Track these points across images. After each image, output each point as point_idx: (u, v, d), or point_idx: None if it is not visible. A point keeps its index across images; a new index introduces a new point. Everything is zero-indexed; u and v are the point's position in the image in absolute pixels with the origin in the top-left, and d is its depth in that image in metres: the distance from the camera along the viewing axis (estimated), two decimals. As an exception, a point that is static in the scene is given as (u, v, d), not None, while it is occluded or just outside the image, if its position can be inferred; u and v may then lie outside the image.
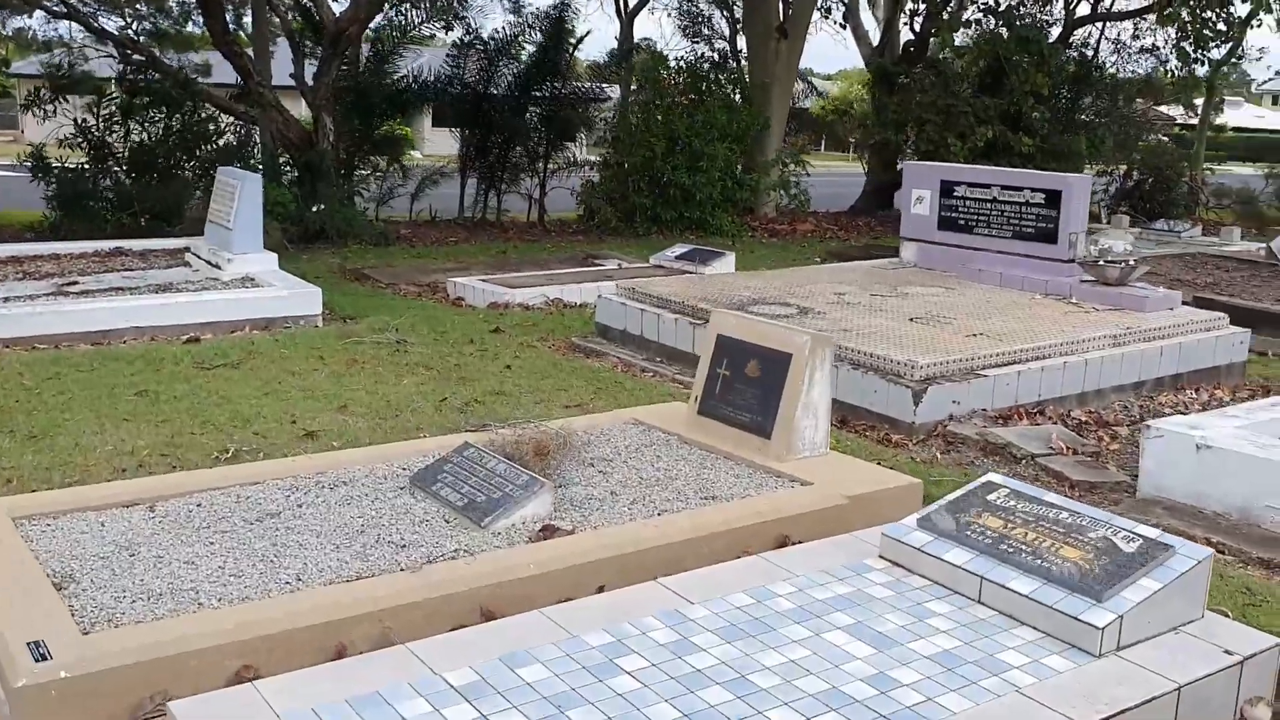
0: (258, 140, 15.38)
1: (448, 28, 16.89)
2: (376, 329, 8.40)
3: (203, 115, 14.69)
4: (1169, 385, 7.15)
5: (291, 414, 5.88)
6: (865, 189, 21.37)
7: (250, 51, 15.35)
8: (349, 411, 5.97)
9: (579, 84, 17.75)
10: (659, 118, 16.89)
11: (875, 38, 22.58)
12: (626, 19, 19.93)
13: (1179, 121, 27.10)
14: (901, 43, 21.36)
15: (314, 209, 13.93)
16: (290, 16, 16.71)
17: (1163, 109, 25.04)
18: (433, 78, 17.18)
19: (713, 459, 4.62)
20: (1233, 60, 21.63)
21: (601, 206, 17.22)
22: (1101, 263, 7.78)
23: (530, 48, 17.52)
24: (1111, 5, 20.85)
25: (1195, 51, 19.51)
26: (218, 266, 9.52)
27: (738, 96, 18.27)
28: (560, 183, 17.83)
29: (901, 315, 7.29)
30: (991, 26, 19.80)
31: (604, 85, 18.70)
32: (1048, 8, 20.08)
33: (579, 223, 17.57)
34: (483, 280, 10.55)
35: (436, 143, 21.01)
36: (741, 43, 20.22)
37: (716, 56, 19.58)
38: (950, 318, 7.20)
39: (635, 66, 18.98)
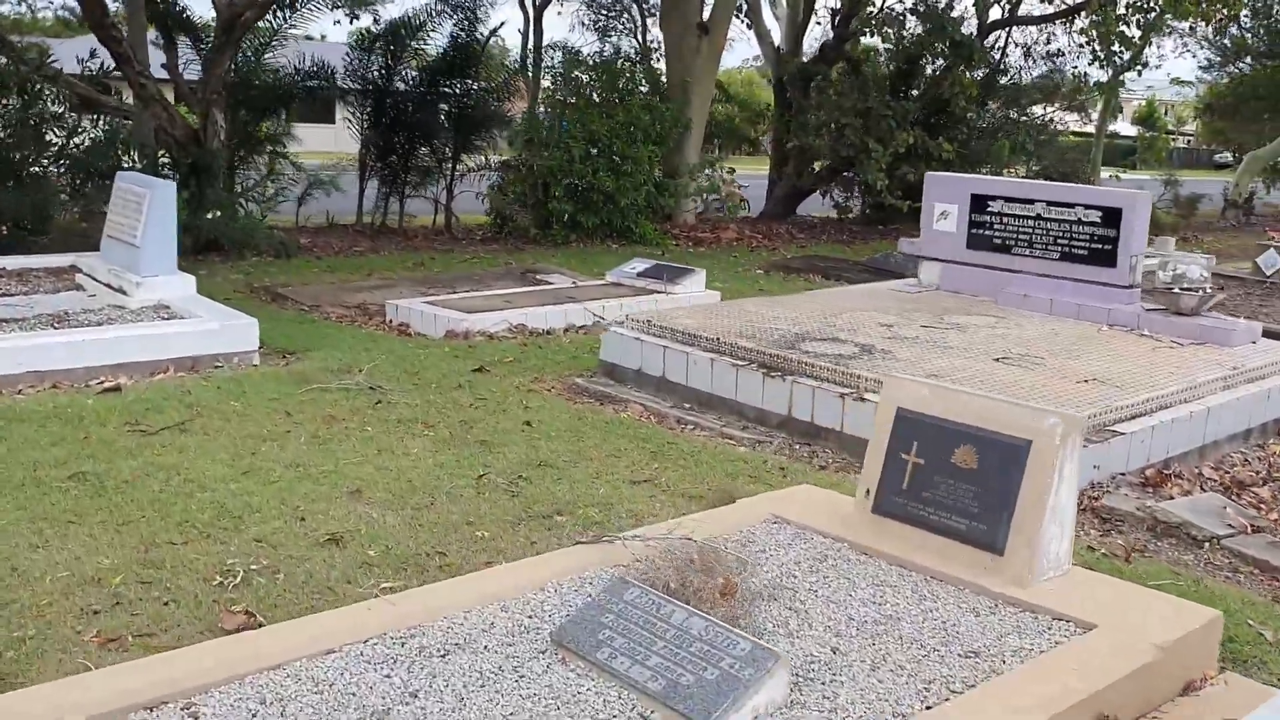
0: (124, 137, 13.56)
1: (353, 16, 15.28)
2: (333, 370, 7.00)
3: (61, 106, 12.80)
4: (1271, 431, 6.35)
5: (293, 504, 4.50)
6: (776, 194, 20.52)
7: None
8: (365, 499, 4.62)
9: (492, 80, 16.32)
10: (576, 118, 15.67)
11: (777, 37, 21.78)
12: (535, 12, 18.57)
13: (1070, 128, 27.15)
14: (814, 42, 20.61)
15: (208, 216, 12.24)
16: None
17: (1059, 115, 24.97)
18: (316, 68, 15.54)
19: (924, 582, 3.49)
20: (1137, 66, 21.58)
21: (515, 212, 15.90)
22: (1176, 290, 6.95)
23: (439, 38, 16.09)
24: (1017, 9, 20.48)
25: (1108, 56, 19.36)
26: (122, 291, 7.93)
27: (655, 96, 17.19)
28: (469, 186, 16.43)
29: (978, 353, 6.29)
30: (913, 27, 19.24)
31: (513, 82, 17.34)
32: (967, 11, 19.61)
33: (489, 229, 16.23)
34: (428, 303, 9.19)
35: (306, 140, 19.30)
36: (656, 37, 19.13)
37: (632, 53, 18.41)
38: (1037, 357, 6.24)
39: (552, 63, 17.69)
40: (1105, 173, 24.78)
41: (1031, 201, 7.67)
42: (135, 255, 7.94)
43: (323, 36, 17.05)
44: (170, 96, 13.39)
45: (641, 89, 16.98)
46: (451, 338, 8.45)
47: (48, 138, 12.78)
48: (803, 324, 6.93)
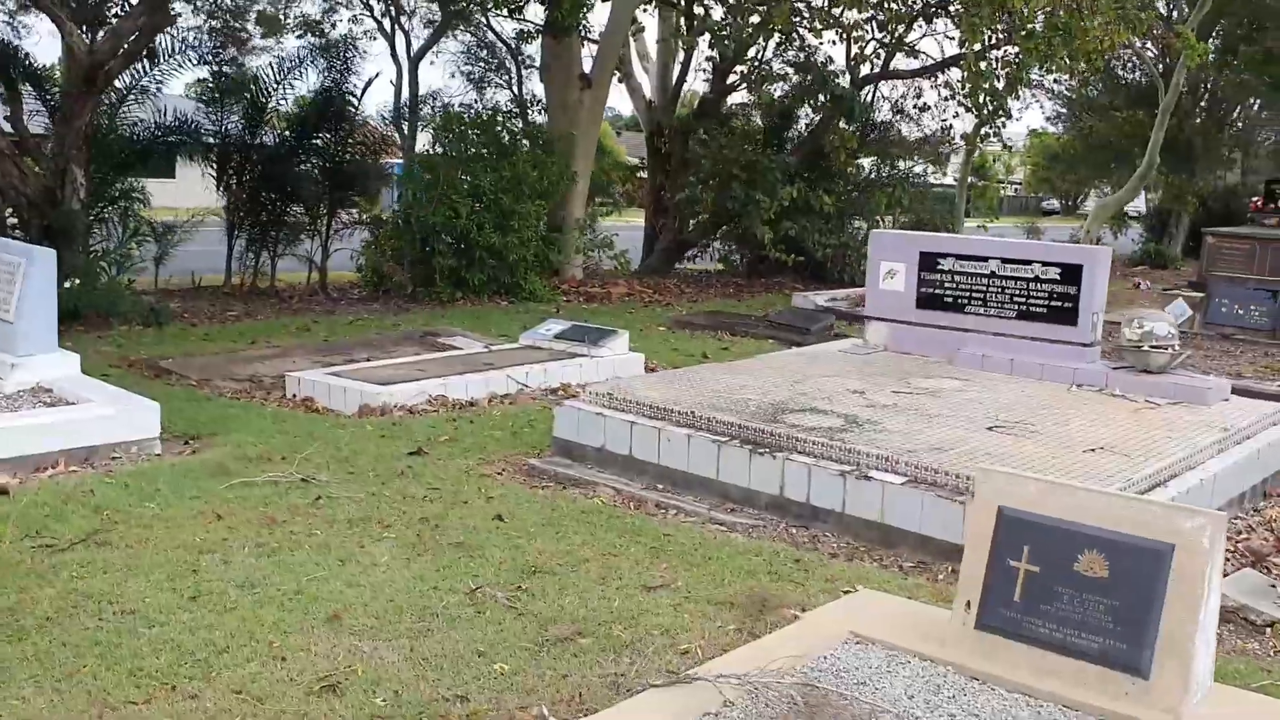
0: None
1: (219, 75, 14.29)
2: (251, 458, 6.22)
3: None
4: (1258, 493, 6.17)
5: (264, 639, 3.77)
6: (658, 247, 20.22)
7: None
8: (348, 627, 3.92)
9: (366, 134, 15.59)
10: (460, 173, 15.08)
11: (647, 90, 21.61)
12: (410, 63, 17.86)
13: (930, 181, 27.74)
14: (692, 97, 20.52)
15: (65, 284, 11.14)
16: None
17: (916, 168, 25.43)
18: (178, 121, 14.54)
19: (1061, 714, 3.02)
20: (1001, 119, 22.07)
21: (395, 270, 15.14)
22: (1145, 348, 6.77)
23: (304, 88, 15.30)
24: (888, 64, 20.77)
25: (978, 109, 19.76)
26: (-7, 374, 6.97)
27: (539, 150, 16.71)
28: (345, 243, 15.60)
29: (966, 421, 5.94)
30: (785, 84, 19.33)
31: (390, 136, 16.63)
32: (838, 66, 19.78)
33: (366, 288, 15.41)
34: (333, 374, 8.44)
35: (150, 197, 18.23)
36: (533, 90, 18.70)
37: (513, 107, 17.88)
38: (1027, 424, 5.93)
39: (430, 117, 17.00)
40: (972, 223, 25.34)
41: (985, 259, 7.44)
42: (9, 332, 7.00)
43: (158, 89, 15.82)
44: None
45: (523, 143, 16.48)
46: (368, 414, 7.72)
47: None
48: (771, 393, 6.48)
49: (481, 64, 18.74)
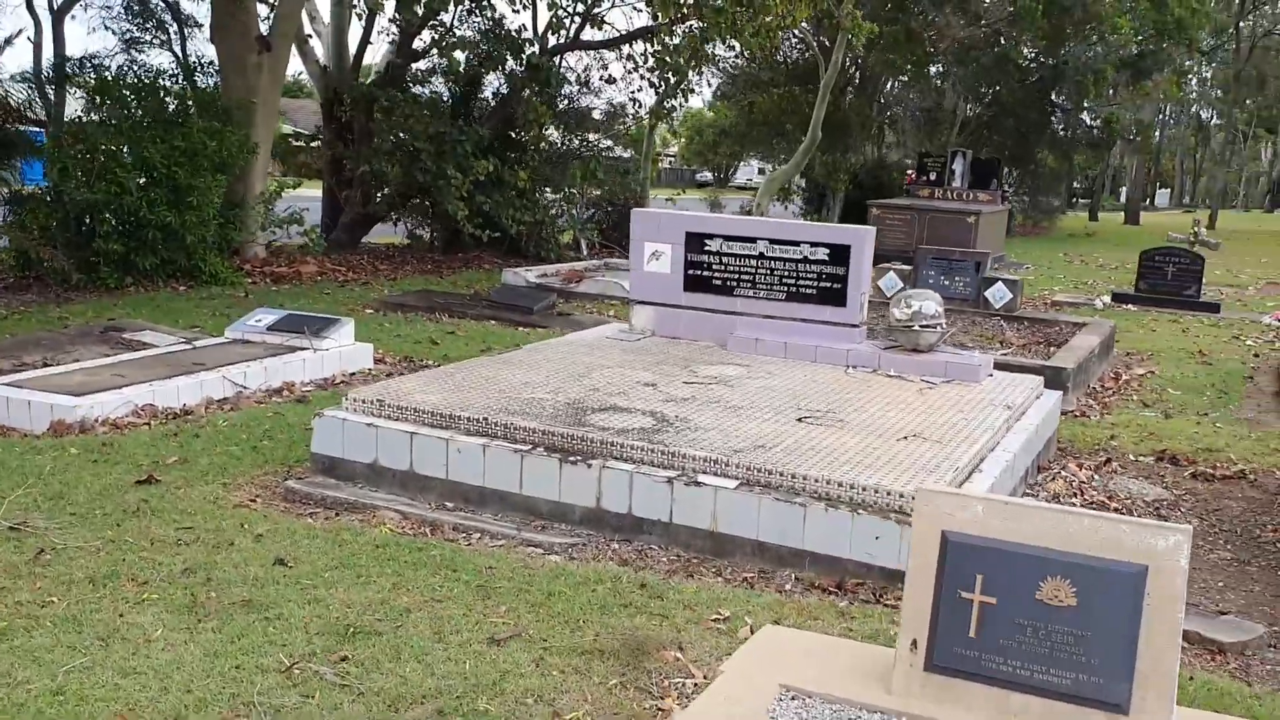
0: None
1: None
2: (-69, 503, 5.01)
3: None
4: (1034, 468, 6.29)
5: (32, 773, 2.86)
6: (342, 221, 18.99)
7: None
8: (143, 736, 3.05)
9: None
10: (123, 145, 13.39)
11: (321, 55, 20.24)
12: (53, 18, 15.61)
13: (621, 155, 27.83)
14: (369, 70, 19.38)
15: None
16: None
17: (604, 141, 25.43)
18: None
19: (1048, 762, 2.72)
20: (683, 88, 22.31)
21: (50, 254, 13.24)
22: (916, 327, 6.74)
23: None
24: (579, 35, 20.49)
25: (665, 81, 19.92)
26: None
27: (214, 119, 15.12)
28: (-15, 225, 13.49)
29: (770, 413, 5.65)
30: (472, 52, 18.61)
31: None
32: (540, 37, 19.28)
33: (13, 275, 13.41)
34: (11, 385, 7.12)
35: None
36: (200, 51, 16.95)
37: (178, 70, 16.07)
38: (834, 413, 5.71)
39: (82, 80, 14.92)
40: (662, 195, 25.61)
41: (753, 240, 7.19)
42: None
43: None
44: None
45: (193, 110, 14.85)
46: (64, 432, 6.52)
47: None
48: (562, 390, 5.92)
49: (136, 21, 16.75)
